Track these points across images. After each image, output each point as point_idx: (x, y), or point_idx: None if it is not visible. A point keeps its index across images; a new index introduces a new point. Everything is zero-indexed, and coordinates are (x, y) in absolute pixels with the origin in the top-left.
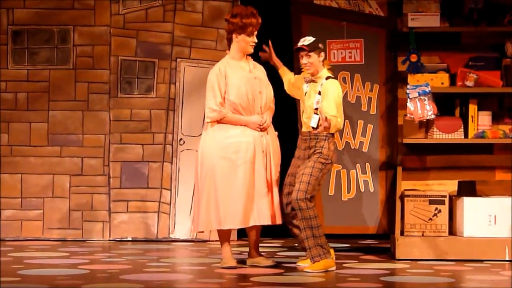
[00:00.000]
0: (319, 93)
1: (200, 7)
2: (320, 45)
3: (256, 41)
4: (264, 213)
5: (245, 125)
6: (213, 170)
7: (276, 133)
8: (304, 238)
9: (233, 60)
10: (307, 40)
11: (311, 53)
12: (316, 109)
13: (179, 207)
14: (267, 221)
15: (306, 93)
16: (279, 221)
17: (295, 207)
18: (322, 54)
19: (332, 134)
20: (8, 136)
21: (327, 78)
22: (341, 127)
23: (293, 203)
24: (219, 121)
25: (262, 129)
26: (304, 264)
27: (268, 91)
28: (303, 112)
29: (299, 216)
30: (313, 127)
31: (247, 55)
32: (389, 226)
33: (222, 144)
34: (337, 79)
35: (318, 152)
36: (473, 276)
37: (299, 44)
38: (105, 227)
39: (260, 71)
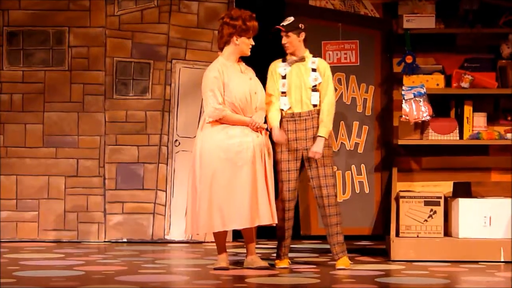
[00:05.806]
0: (313, 70)
1: (195, 9)
2: (301, 25)
3: (253, 43)
4: (265, 212)
5: (244, 125)
6: (214, 171)
7: (268, 132)
8: (334, 233)
9: (228, 61)
10: (287, 20)
11: (290, 33)
12: (315, 86)
13: (174, 209)
14: (268, 221)
15: (285, 75)
16: (276, 220)
17: (331, 202)
18: (302, 34)
19: None
20: (3, 137)
21: (314, 57)
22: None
23: (330, 199)
24: (218, 121)
25: (257, 129)
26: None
27: (261, 92)
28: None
29: (332, 212)
30: (314, 105)
31: (240, 58)
32: (384, 228)
33: (223, 145)
34: None
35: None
36: (468, 277)
37: (280, 25)
38: (100, 228)
39: (251, 72)
